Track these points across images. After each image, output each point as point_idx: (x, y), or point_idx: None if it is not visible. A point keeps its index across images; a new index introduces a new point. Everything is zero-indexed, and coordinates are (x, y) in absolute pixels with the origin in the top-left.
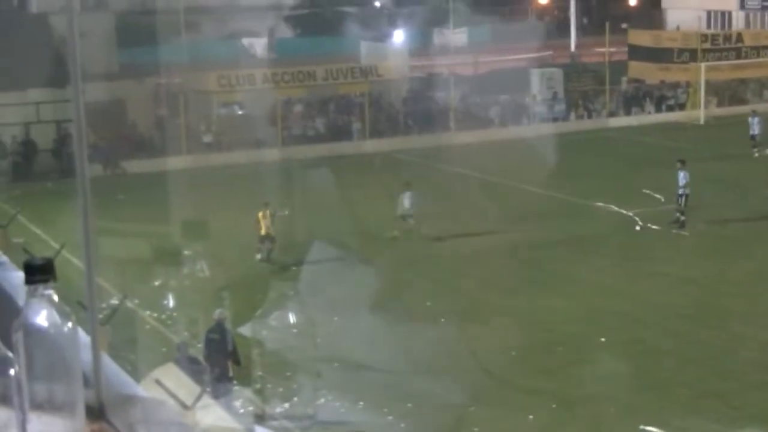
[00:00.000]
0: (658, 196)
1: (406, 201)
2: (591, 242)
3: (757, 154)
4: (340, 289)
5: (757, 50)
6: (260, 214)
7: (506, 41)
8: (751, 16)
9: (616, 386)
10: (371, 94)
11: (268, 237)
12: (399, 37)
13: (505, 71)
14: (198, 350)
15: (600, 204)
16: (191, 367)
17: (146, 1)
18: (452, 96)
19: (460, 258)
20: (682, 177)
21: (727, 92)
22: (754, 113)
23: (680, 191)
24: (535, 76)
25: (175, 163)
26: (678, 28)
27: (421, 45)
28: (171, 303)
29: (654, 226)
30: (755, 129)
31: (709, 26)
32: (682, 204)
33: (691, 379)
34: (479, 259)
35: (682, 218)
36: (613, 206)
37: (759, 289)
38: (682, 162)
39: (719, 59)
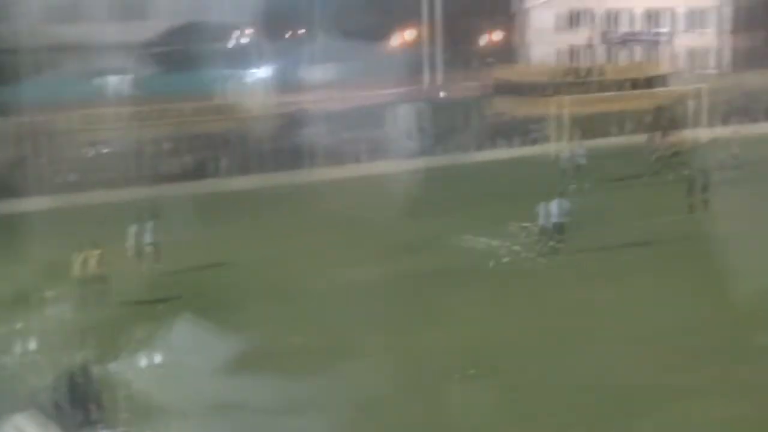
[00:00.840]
0: (526, 225)
1: (146, 235)
2: (458, 275)
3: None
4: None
5: (619, 83)
6: (82, 256)
7: (374, 76)
8: (613, 49)
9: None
10: (237, 130)
11: (94, 278)
12: (266, 73)
13: (372, 106)
14: (62, 394)
15: (468, 237)
16: (55, 411)
17: (8, 39)
18: (319, 132)
19: (326, 293)
20: (556, 206)
21: (590, 125)
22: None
23: (553, 220)
24: (402, 110)
25: (37, 203)
26: (542, 61)
27: (289, 80)
28: (33, 346)
29: (524, 255)
30: (576, 160)
31: (572, 60)
32: (555, 233)
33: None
34: (346, 295)
35: (557, 245)
36: (482, 238)
37: (621, 314)
38: (561, 192)
39: (583, 92)
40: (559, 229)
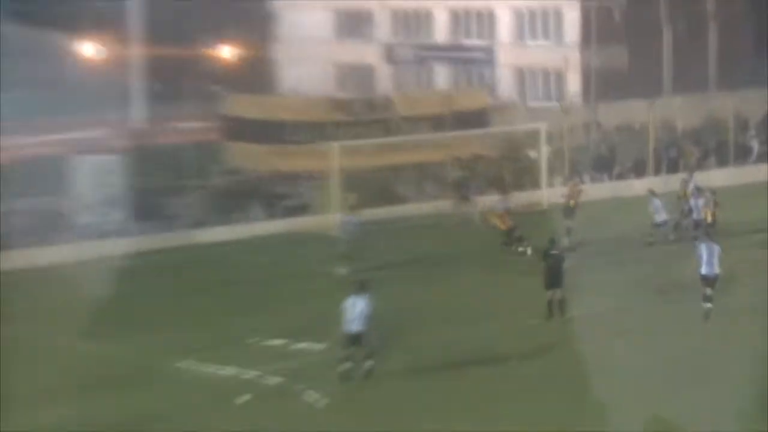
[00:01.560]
0: (277, 342)
1: None
2: (168, 421)
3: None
4: None
5: (414, 122)
6: None
7: (40, 115)
8: (403, 72)
9: None
10: None
11: None
12: None
13: (35, 161)
14: None
15: (189, 363)
16: None
17: None
18: None
19: None
20: (352, 304)
21: (374, 186)
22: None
23: (354, 328)
24: (81, 167)
25: None
26: (296, 90)
27: None
28: None
29: (301, 389)
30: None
31: (342, 87)
32: (356, 347)
33: None
34: None
35: (363, 365)
36: (210, 366)
37: None
38: (362, 285)
39: (358, 137)
40: (362, 340)
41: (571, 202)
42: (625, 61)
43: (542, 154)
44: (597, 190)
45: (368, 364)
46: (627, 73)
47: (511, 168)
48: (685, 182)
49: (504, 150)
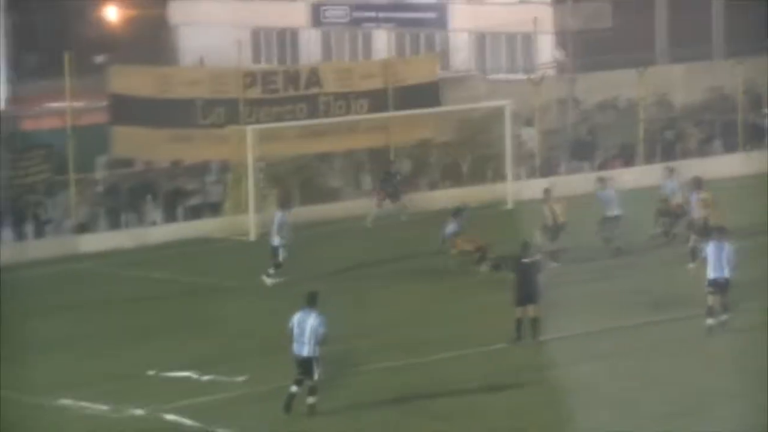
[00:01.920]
0: (182, 374)
1: None
2: None
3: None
4: None
5: (347, 99)
6: None
7: None
8: (333, 37)
9: None
10: None
11: None
12: None
13: None
14: None
15: (67, 402)
16: None
17: None
18: None
19: None
20: (301, 321)
21: (297, 179)
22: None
23: (304, 349)
24: None
25: None
26: (201, 60)
27: None
28: None
29: None
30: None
31: (258, 57)
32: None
33: None
34: None
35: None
36: (94, 404)
37: None
38: (311, 298)
39: (279, 118)
40: (311, 368)
41: (557, 218)
42: (609, 21)
43: (507, 138)
44: (576, 182)
45: (310, 400)
46: (612, 37)
47: (469, 157)
48: (670, 172)
49: (460, 134)
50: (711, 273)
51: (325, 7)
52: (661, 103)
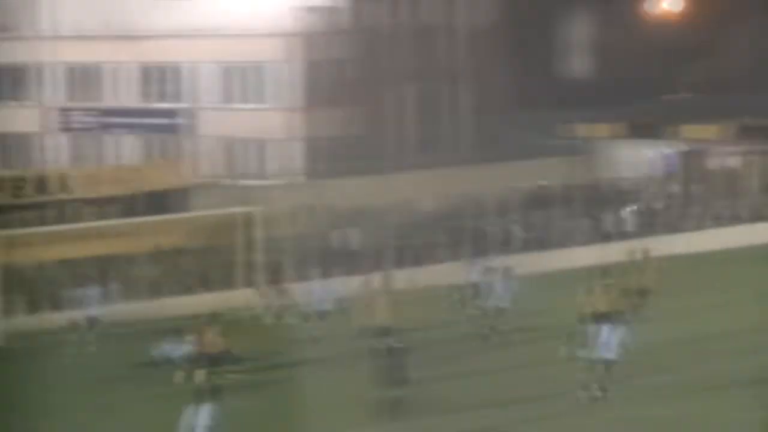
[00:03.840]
0: None
1: None
2: None
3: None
4: None
5: (100, 205)
6: None
7: None
8: (81, 142)
9: None
10: None
11: None
12: None
13: None
14: None
15: None
16: None
17: None
18: None
19: None
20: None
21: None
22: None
23: None
24: None
25: None
26: None
27: None
28: None
29: None
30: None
31: (3, 161)
32: None
33: None
34: None
35: None
36: None
37: None
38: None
39: (27, 224)
40: None
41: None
42: (359, 128)
43: (254, 244)
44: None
45: None
46: (361, 143)
47: (217, 262)
48: (475, 264)
49: (208, 239)
50: (600, 351)
51: (68, 113)
52: (407, 209)
